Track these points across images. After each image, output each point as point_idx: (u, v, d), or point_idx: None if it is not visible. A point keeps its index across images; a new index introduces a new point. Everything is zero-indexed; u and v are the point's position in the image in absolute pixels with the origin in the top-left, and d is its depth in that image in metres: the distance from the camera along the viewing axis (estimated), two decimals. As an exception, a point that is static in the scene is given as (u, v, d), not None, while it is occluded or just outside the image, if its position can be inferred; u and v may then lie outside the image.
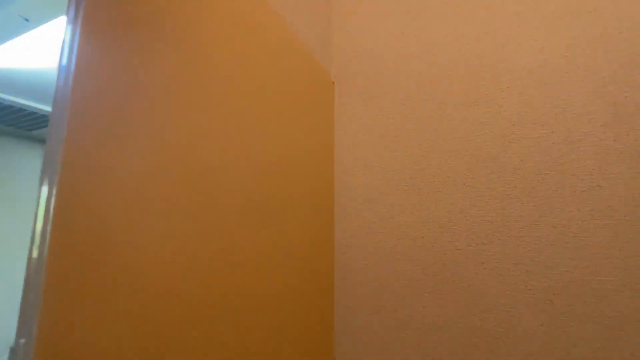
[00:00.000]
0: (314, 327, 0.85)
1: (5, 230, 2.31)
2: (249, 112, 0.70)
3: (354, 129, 1.02)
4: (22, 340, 0.37)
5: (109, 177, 0.45)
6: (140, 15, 0.51)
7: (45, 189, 0.41)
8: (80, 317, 0.41)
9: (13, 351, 0.37)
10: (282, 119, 0.80)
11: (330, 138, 1.03)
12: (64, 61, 0.44)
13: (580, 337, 0.70)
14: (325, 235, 0.95)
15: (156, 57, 0.53)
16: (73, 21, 0.45)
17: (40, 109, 1.99)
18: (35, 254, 0.40)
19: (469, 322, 0.79)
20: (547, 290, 0.73)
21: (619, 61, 0.74)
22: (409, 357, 0.84)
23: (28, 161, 2.45)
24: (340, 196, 1.00)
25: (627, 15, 0.74)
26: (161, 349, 0.49)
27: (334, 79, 1.08)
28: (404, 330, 0.85)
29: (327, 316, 0.92)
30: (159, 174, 0.51)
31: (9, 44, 1.39)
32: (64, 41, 0.45)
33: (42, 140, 2.50)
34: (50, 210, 0.40)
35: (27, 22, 1.20)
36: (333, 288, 0.96)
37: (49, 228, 0.39)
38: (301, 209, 0.85)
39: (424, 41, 0.95)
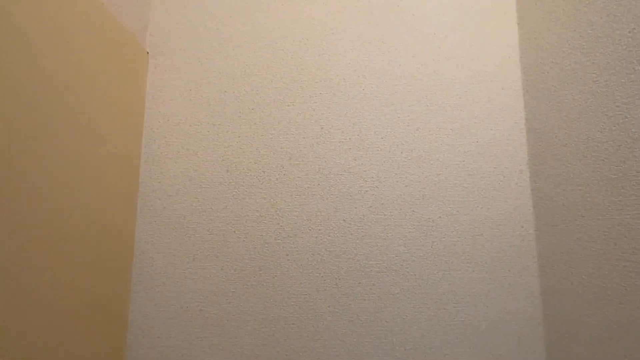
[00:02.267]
0: (102, 339, 0.74)
1: None
2: (27, 74, 0.53)
3: (168, 110, 0.95)
4: None
5: None
6: None
7: None
8: None
9: None
10: (71, 84, 0.66)
11: (138, 118, 0.92)
12: None
13: (356, 313, 0.88)
14: (124, 232, 0.85)
15: None
16: None
17: None
18: None
19: (270, 313, 0.87)
20: (334, 276, 0.89)
21: (396, 88, 0.97)
22: (213, 356, 0.85)
23: None
24: (146, 186, 0.91)
25: (397, 53, 0.98)
26: None
27: (148, 49, 0.97)
28: (208, 329, 0.86)
29: (118, 326, 0.82)
30: None
31: None
32: None
33: None
34: None
35: None
36: (129, 293, 0.87)
37: None
38: (95, 201, 0.72)
39: (251, 32, 0.98)
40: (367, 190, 0.93)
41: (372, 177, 0.93)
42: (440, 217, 0.92)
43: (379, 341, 0.87)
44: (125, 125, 0.87)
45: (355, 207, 0.92)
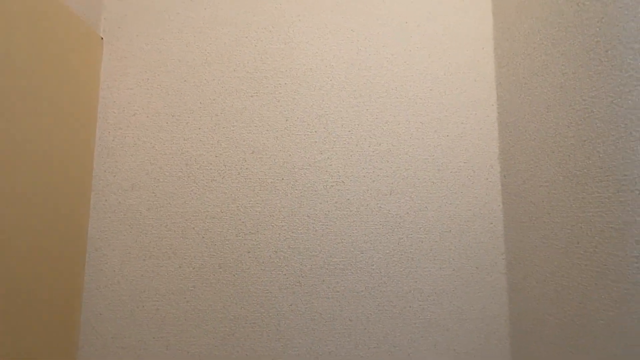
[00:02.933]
0: (52, 340, 0.71)
1: None
2: None
3: (124, 100, 0.90)
4: None
5: None
6: None
7: None
8: None
9: None
10: (16, 73, 0.61)
11: (92, 107, 0.88)
12: None
13: (319, 311, 0.86)
14: (76, 228, 0.81)
15: None
16: None
17: None
18: None
19: (230, 312, 0.85)
20: (297, 273, 0.87)
21: (365, 79, 0.94)
22: (170, 357, 0.83)
23: None
24: (100, 180, 0.88)
25: (366, 42, 0.95)
26: None
27: (102, 34, 0.92)
28: (165, 329, 0.84)
29: (69, 326, 0.79)
30: None
31: None
32: None
33: None
34: None
35: None
36: (81, 292, 0.84)
37: None
38: (45, 195, 0.68)
39: (213, 17, 0.94)
40: (332, 185, 0.90)
41: (338, 172, 0.90)
42: (407, 213, 0.90)
43: (342, 340, 0.85)
44: (78, 116, 0.82)
45: (320, 203, 0.89)
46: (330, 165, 0.91)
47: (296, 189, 0.89)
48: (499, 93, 0.95)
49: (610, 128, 0.63)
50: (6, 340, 0.62)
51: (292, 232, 0.88)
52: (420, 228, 0.90)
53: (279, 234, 0.88)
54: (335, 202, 0.89)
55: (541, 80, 0.80)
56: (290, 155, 0.90)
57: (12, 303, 0.64)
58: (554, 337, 0.74)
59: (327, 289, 0.87)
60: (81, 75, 0.84)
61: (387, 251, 0.89)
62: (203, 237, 0.87)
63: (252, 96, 0.92)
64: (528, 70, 0.84)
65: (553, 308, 0.75)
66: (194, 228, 0.87)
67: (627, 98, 0.60)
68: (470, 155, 0.92)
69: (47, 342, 0.72)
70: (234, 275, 0.86)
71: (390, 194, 0.90)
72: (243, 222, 0.88)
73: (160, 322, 0.84)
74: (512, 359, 0.86)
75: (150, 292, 0.84)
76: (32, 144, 0.69)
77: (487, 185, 0.92)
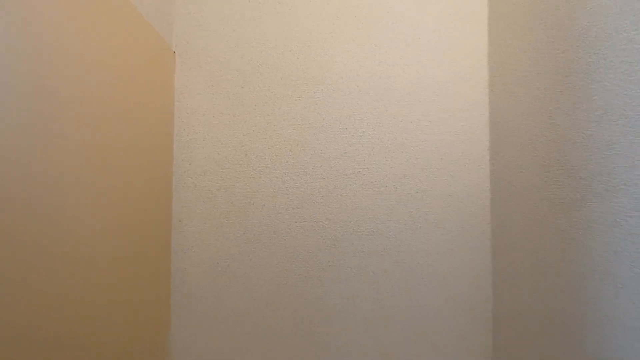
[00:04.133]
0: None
1: None
2: (67, 81, 0.72)
3: (194, 103, 1.14)
4: None
5: None
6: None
7: None
8: None
9: None
10: (110, 87, 0.84)
11: (169, 110, 1.11)
12: None
13: (349, 266, 1.14)
14: (163, 205, 1.06)
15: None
16: None
17: None
18: None
19: (283, 267, 1.12)
20: (332, 238, 1.14)
21: (385, 85, 1.18)
22: (239, 300, 1.11)
23: None
24: (179, 168, 1.12)
25: (387, 55, 1.18)
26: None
27: (174, 49, 1.14)
28: (235, 280, 1.11)
29: (163, 279, 1.06)
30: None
31: None
32: None
33: None
34: None
35: None
36: (170, 254, 1.10)
37: None
38: (139, 181, 0.93)
39: (262, 34, 1.16)
40: (359, 171, 1.16)
41: (364, 160, 1.16)
42: (417, 192, 1.17)
43: (367, 287, 1.14)
44: (159, 117, 1.06)
45: (350, 184, 1.15)
46: (358, 155, 1.16)
47: (331, 174, 1.15)
48: (491, 98, 1.20)
49: (566, 133, 0.89)
50: (117, 289, 0.89)
51: (329, 207, 1.14)
52: (426, 203, 1.16)
53: (319, 208, 1.14)
54: (362, 184, 1.16)
55: (523, 91, 1.05)
56: (326, 147, 1.15)
57: (121, 261, 0.90)
58: (523, 279, 1.03)
59: (355, 250, 1.14)
60: (160, 82, 1.07)
61: (401, 221, 1.16)
62: (260, 211, 1.13)
63: (295, 100, 1.16)
64: (514, 82, 1.09)
65: (524, 259, 1.03)
66: (253, 204, 1.13)
67: (576, 115, 0.85)
68: (466, 147, 1.18)
69: (147, 288, 0.99)
70: (285, 240, 1.13)
71: (404, 177, 1.17)
72: (291, 199, 1.14)
73: (231, 275, 1.11)
74: (494, 299, 1.16)
75: (223, 253, 1.11)
76: (126, 141, 0.93)
77: (479, 171, 1.18)
